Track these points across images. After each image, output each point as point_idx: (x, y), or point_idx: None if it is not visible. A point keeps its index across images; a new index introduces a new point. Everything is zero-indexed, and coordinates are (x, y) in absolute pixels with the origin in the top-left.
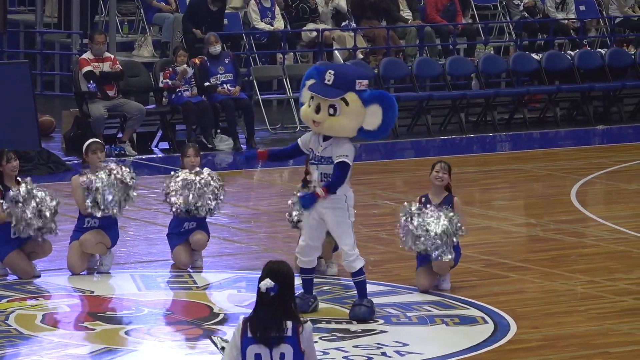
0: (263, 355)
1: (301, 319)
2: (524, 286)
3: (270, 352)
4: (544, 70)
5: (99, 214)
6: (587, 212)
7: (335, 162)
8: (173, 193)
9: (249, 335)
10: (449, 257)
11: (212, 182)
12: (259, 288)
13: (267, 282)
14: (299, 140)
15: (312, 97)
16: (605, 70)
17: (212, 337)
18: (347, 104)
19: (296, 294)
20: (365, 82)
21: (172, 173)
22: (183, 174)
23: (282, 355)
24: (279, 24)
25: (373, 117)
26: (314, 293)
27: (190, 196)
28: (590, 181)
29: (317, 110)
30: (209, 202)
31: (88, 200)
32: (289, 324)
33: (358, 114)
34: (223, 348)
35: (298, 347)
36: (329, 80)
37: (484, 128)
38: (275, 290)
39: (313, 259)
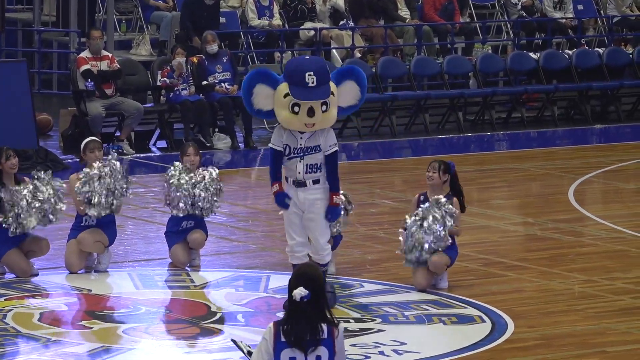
0: (298, 359)
1: (337, 322)
2: (522, 285)
3: (306, 356)
4: (541, 70)
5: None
6: (585, 211)
7: (327, 153)
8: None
9: (283, 339)
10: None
11: (212, 184)
12: (292, 296)
13: (301, 291)
14: (272, 146)
15: (295, 104)
16: (603, 69)
17: (238, 342)
18: (333, 94)
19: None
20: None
21: (170, 172)
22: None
23: (318, 358)
24: (277, 22)
25: (350, 93)
26: None
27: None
28: (587, 180)
29: (311, 113)
30: (209, 201)
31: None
32: (324, 326)
33: (337, 98)
34: (250, 353)
35: (333, 349)
36: (313, 82)
37: (482, 127)
38: (308, 297)
39: (306, 253)
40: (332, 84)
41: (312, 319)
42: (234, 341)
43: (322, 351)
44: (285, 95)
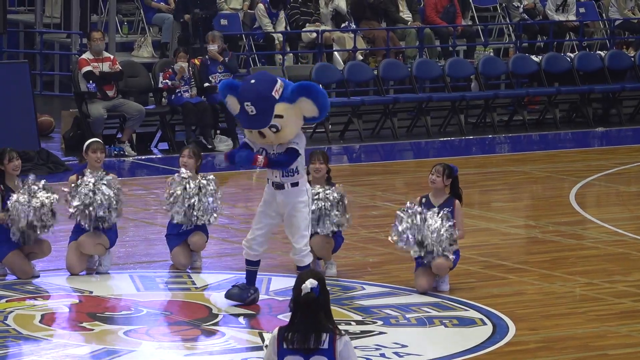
0: None
1: (340, 331)
2: (523, 288)
3: None
4: (543, 72)
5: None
6: (586, 214)
7: (286, 147)
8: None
9: (284, 346)
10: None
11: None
12: (300, 290)
13: (311, 282)
14: (247, 140)
15: None
16: (604, 72)
17: (263, 333)
18: (281, 116)
19: (237, 284)
20: (278, 84)
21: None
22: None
23: None
24: (281, 27)
25: (306, 109)
26: (255, 285)
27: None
28: (589, 183)
29: (262, 135)
30: (207, 212)
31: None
32: (325, 335)
33: (295, 115)
34: (267, 346)
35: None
36: (252, 112)
37: (484, 130)
38: (317, 290)
39: (260, 253)
40: (282, 105)
41: (315, 323)
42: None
43: None
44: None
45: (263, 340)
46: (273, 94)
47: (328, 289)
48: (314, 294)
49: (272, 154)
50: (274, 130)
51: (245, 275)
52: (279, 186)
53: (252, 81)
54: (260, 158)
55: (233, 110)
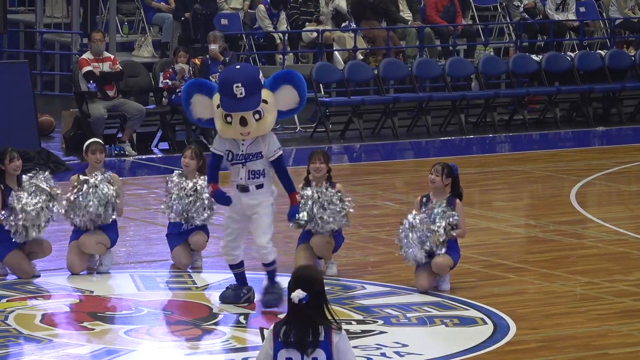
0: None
1: (335, 325)
2: (524, 287)
3: (302, 357)
4: (543, 72)
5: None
6: (587, 214)
7: (272, 159)
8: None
9: (280, 340)
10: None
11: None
12: (290, 299)
13: (299, 294)
14: (213, 149)
15: (227, 115)
16: (605, 71)
17: (263, 329)
18: (266, 102)
19: (229, 285)
20: (260, 72)
21: (168, 179)
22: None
23: None
24: (282, 27)
25: (288, 98)
26: (248, 284)
27: (181, 206)
28: (589, 182)
29: (243, 122)
30: (202, 212)
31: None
32: (323, 329)
33: (276, 104)
34: None
35: (330, 352)
36: (241, 94)
37: (484, 129)
38: (306, 299)
39: (238, 255)
40: (266, 91)
41: (311, 321)
42: (261, 329)
43: (320, 353)
44: (218, 106)
45: (263, 337)
46: (260, 77)
47: (327, 288)
48: (302, 304)
49: (240, 154)
50: (257, 117)
51: (235, 278)
52: (244, 189)
53: (237, 67)
54: (296, 198)
55: (197, 112)
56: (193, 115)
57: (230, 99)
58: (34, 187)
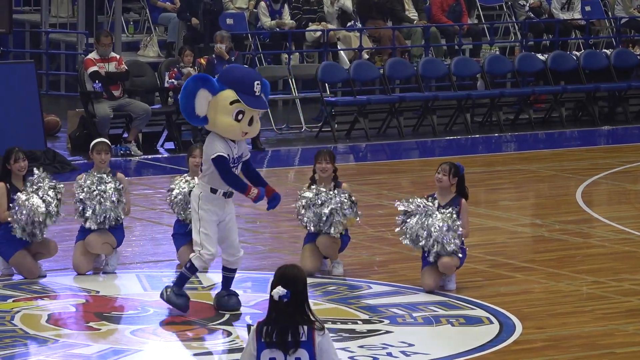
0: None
1: (318, 325)
2: (530, 286)
3: (285, 356)
4: (549, 71)
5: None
6: (593, 213)
7: (245, 159)
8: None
9: (262, 340)
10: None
11: None
12: (271, 296)
13: (279, 290)
14: (220, 154)
15: (240, 112)
16: (610, 70)
17: (251, 326)
18: None
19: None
20: None
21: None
22: (177, 187)
23: None
24: (287, 20)
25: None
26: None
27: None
28: (595, 182)
29: (251, 122)
30: None
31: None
32: (305, 328)
33: None
34: None
35: (313, 352)
36: (259, 92)
37: (490, 128)
38: (287, 296)
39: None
40: None
41: (291, 320)
42: (248, 326)
43: (302, 353)
44: (233, 102)
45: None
46: None
47: (333, 288)
48: (282, 302)
49: (234, 157)
50: (257, 119)
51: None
52: (229, 195)
53: (245, 66)
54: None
55: (197, 107)
56: (194, 111)
57: (252, 96)
58: (38, 186)
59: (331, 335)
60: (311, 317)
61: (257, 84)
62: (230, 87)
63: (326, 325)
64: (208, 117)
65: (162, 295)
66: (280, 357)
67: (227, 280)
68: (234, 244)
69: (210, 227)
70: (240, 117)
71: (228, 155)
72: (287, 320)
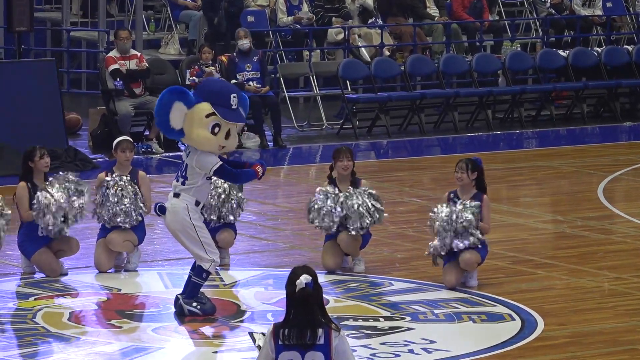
0: None
1: (335, 326)
2: (551, 283)
3: (302, 357)
4: (570, 67)
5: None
6: (614, 209)
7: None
8: None
9: (280, 342)
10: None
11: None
12: (295, 286)
13: (306, 278)
14: (218, 165)
15: (216, 125)
16: (632, 66)
17: (253, 333)
18: None
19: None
20: None
21: None
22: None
23: None
24: (306, 14)
25: None
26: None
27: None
28: (617, 178)
29: (227, 135)
30: (234, 210)
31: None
32: (321, 331)
33: None
34: (259, 347)
35: (329, 355)
36: (235, 105)
37: (511, 125)
38: (312, 285)
39: None
40: None
41: (309, 320)
42: (250, 333)
43: (318, 356)
44: (209, 115)
45: (254, 340)
46: None
47: (355, 285)
48: (309, 289)
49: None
50: (235, 132)
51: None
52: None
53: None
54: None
55: (172, 121)
56: (169, 124)
57: (228, 109)
58: (60, 184)
59: (353, 332)
60: (327, 319)
61: (234, 97)
62: (206, 99)
63: (347, 323)
64: (184, 130)
65: (184, 312)
66: (298, 358)
67: (199, 286)
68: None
69: (207, 233)
70: (216, 130)
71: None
72: (306, 318)
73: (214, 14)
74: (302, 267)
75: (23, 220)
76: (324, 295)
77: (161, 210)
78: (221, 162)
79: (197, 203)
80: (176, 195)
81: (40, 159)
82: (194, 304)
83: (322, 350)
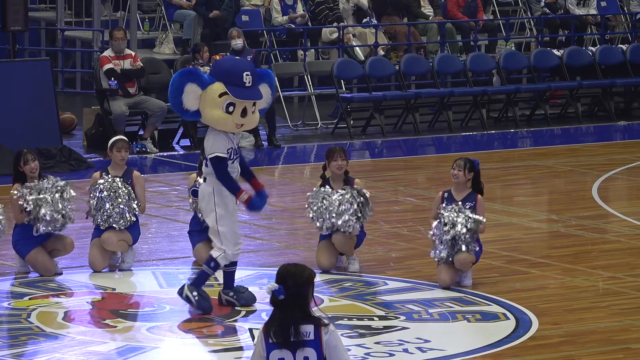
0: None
1: (324, 322)
2: (546, 282)
3: (294, 355)
4: (565, 66)
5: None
6: (609, 208)
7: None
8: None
9: (270, 341)
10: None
11: None
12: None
13: (272, 285)
14: (219, 154)
15: (230, 104)
16: (626, 66)
17: (253, 330)
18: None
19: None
20: None
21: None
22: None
23: (306, 359)
24: (300, 12)
25: (266, 96)
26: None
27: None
28: (611, 177)
29: (244, 113)
30: None
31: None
32: (310, 327)
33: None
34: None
35: (321, 350)
36: (249, 82)
37: (505, 124)
38: (282, 292)
39: None
40: None
41: (291, 317)
42: (250, 330)
43: (309, 352)
44: (222, 95)
45: (253, 337)
46: None
47: (349, 284)
48: (274, 297)
49: (235, 148)
50: (253, 109)
51: (229, 279)
52: None
53: (236, 57)
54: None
55: (186, 102)
56: (183, 105)
57: (240, 88)
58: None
59: (347, 331)
60: (314, 315)
61: (247, 75)
62: (219, 79)
63: (342, 322)
64: (201, 111)
65: (182, 295)
66: (289, 356)
67: (231, 276)
68: (238, 234)
69: (228, 222)
70: (231, 109)
71: (229, 149)
72: (287, 319)
73: (208, 11)
74: (281, 269)
75: (17, 222)
76: (319, 295)
77: (194, 194)
78: (222, 155)
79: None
80: (204, 179)
81: (25, 165)
82: (194, 292)
83: (312, 346)
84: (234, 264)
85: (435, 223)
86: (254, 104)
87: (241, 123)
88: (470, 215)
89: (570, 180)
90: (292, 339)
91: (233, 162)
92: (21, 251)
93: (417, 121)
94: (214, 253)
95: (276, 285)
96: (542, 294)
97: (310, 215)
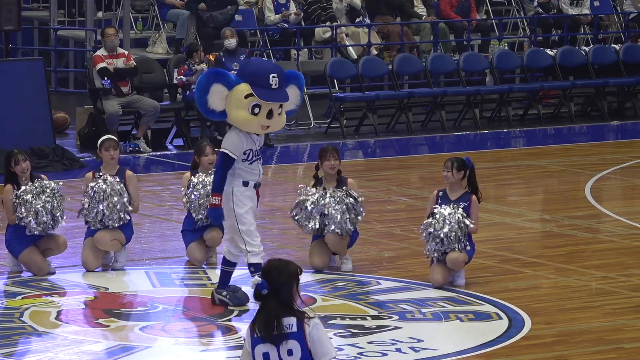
0: (271, 353)
1: (307, 314)
2: (539, 282)
3: (278, 349)
4: (558, 66)
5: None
6: (602, 208)
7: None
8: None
9: (255, 335)
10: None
11: None
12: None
13: (255, 279)
14: (227, 152)
15: (256, 105)
16: (619, 65)
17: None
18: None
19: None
20: None
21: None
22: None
23: (290, 352)
24: (293, 10)
25: (294, 97)
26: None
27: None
28: (604, 177)
29: (270, 115)
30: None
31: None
32: (293, 319)
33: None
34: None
35: (305, 343)
36: (276, 84)
37: (498, 124)
38: (265, 287)
39: None
40: None
41: (274, 311)
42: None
43: (293, 345)
44: (247, 96)
45: None
46: None
47: (342, 284)
48: (257, 291)
49: (257, 149)
50: (280, 111)
51: (225, 278)
52: (259, 185)
53: (263, 59)
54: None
55: (212, 103)
56: (208, 105)
57: (266, 89)
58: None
59: (340, 331)
60: (298, 308)
61: (273, 77)
62: (245, 80)
63: (335, 322)
64: (227, 112)
65: (214, 301)
66: (273, 350)
67: (228, 275)
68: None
69: (248, 221)
70: (257, 110)
71: (251, 150)
72: (270, 313)
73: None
74: (266, 264)
75: (10, 223)
76: (312, 295)
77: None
78: (234, 156)
79: (245, 183)
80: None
81: (16, 166)
82: (224, 293)
83: (296, 338)
84: (233, 264)
85: (425, 221)
86: (281, 106)
87: (267, 125)
88: (461, 217)
89: (563, 180)
90: (275, 333)
91: (251, 163)
92: (14, 250)
93: (410, 121)
94: (249, 259)
95: (259, 279)
96: (535, 293)
97: (297, 218)
